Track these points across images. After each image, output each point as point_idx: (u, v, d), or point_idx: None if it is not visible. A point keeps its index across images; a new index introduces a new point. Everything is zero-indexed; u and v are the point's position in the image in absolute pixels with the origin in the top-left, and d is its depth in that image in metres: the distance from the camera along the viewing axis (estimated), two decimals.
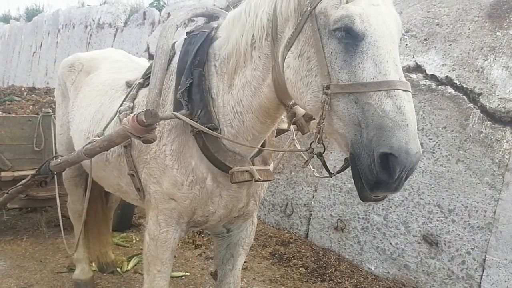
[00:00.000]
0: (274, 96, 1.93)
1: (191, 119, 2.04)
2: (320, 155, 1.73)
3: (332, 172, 1.83)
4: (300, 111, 2.11)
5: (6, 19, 21.22)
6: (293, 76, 1.72)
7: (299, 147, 2.32)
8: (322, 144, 1.70)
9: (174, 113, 2.05)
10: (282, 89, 1.85)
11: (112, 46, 9.42)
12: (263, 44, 1.89)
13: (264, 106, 1.99)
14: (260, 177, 2.13)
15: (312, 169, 2.15)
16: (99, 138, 2.42)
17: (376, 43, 1.51)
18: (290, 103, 1.99)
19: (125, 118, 2.05)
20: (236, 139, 2.09)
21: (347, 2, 1.55)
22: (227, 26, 2.13)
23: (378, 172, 1.45)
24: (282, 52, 1.78)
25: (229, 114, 2.08)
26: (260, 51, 1.92)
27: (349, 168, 1.66)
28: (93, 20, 12.41)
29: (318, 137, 1.67)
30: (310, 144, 1.74)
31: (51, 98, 6.44)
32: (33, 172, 3.55)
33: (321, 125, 1.61)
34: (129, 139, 2.30)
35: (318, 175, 2.15)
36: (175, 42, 2.40)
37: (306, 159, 1.86)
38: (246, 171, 2.09)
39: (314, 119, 2.05)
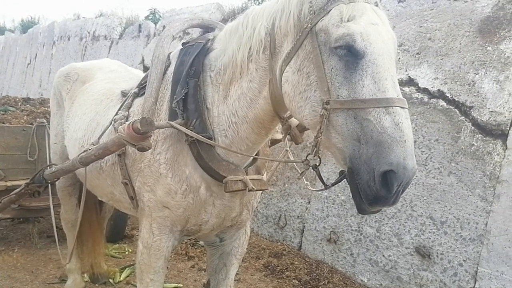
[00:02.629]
0: (270, 108, 1.95)
1: (186, 128, 2.06)
2: (315, 167, 1.75)
3: (327, 184, 1.86)
4: (294, 121, 2.12)
5: (1, 30, 21.28)
6: (291, 90, 1.73)
7: (292, 158, 2.33)
8: (318, 157, 1.72)
9: (170, 122, 2.06)
10: (278, 102, 1.88)
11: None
12: (260, 57, 1.92)
13: (259, 117, 2.02)
14: (253, 187, 2.13)
15: (306, 182, 2.16)
16: (94, 146, 2.42)
17: (376, 61, 1.54)
18: (286, 116, 2.01)
19: (120, 126, 2.07)
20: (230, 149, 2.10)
21: (348, 21, 1.57)
22: (223, 38, 2.16)
23: (378, 189, 1.47)
24: (280, 66, 1.79)
25: (224, 124, 2.10)
26: (257, 64, 1.94)
27: (343, 180, 1.69)
28: (88, 32, 12.46)
29: (315, 150, 1.69)
30: (306, 157, 1.75)
31: (46, 108, 6.43)
32: (26, 182, 3.53)
33: (318, 138, 1.62)
34: (124, 148, 2.31)
35: (311, 188, 2.16)
36: (170, 53, 2.43)
37: (301, 170, 1.88)
38: (240, 180, 2.10)
39: (307, 129, 2.07)
